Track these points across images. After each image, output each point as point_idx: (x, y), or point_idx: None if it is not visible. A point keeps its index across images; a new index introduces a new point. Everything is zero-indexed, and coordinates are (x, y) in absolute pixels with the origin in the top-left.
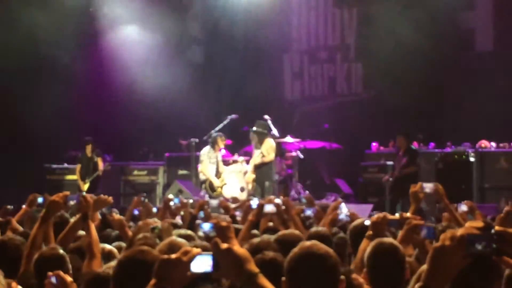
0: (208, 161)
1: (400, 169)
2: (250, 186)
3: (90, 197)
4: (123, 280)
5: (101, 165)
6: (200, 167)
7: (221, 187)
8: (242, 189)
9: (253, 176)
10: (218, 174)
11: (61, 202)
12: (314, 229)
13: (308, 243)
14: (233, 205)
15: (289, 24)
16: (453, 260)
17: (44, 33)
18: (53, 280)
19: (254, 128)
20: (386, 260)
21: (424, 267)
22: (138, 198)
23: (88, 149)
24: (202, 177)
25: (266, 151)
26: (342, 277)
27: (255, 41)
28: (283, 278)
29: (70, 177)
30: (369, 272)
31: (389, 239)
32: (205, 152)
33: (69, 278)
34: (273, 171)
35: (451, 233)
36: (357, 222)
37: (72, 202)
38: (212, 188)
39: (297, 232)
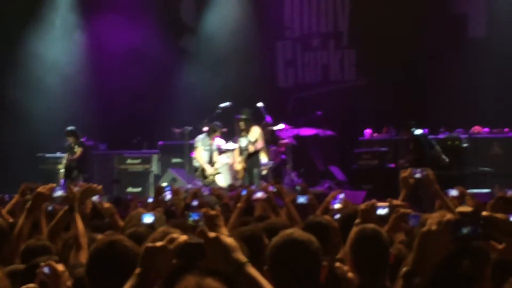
0: (202, 148)
1: (406, 157)
2: (240, 175)
3: (84, 186)
4: (96, 274)
5: (79, 153)
6: (195, 154)
7: (214, 175)
8: (235, 178)
9: (243, 164)
10: (211, 163)
11: (48, 194)
12: (311, 217)
13: (289, 230)
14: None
15: (281, 11)
16: (439, 245)
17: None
18: (45, 270)
19: (241, 116)
20: (368, 246)
21: None
22: None
23: (70, 139)
24: (195, 163)
25: (254, 138)
26: (325, 263)
27: (248, 29)
28: (265, 267)
29: (51, 166)
30: (353, 259)
31: (371, 225)
32: (200, 139)
33: (60, 267)
34: (259, 159)
35: (437, 218)
36: (347, 209)
37: (58, 193)
38: (204, 175)
39: (283, 220)
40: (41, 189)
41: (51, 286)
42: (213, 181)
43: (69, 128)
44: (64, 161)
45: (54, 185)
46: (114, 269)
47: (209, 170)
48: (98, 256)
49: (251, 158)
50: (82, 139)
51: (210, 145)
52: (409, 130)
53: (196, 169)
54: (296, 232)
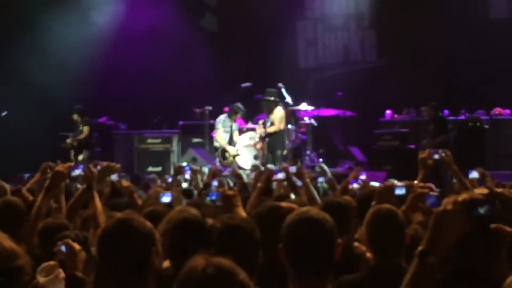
0: (223, 130)
1: (430, 139)
2: (261, 156)
3: (104, 164)
4: (106, 253)
5: (86, 132)
6: (215, 134)
7: (234, 157)
8: (256, 157)
9: (262, 145)
10: (231, 144)
11: (66, 172)
12: (330, 197)
13: (304, 208)
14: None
15: None
16: (455, 225)
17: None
18: (63, 248)
19: (264, 97)
20: (384, 226)
21: None
22: None
23: (76, 118)
24: (216, 144)
25: (276, 120)
26: (339, 240)
27: (269, 9)
28: (280, 245)
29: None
30: (369, 239)
31: (387, 205)
32: (221, 120)
33: (77, 246)
34: (284, 139)
35: (453, 198)
36: (365, 190)
37: (77, 172)
38: (224, 156)
39: (302, 200)
40: (59, 167)
41: (68, 264)
42: (233, 162)
43: (75, 106)
44: (69, 140)
45: (72, 164)
46: (123, 248)
47: (230, 151)
48: (108, 235)
49: (272, 138)
50: (87, 118)
51: (231, 126)
52: (433, 111)
53: (216, 149)
54: (311, 210)
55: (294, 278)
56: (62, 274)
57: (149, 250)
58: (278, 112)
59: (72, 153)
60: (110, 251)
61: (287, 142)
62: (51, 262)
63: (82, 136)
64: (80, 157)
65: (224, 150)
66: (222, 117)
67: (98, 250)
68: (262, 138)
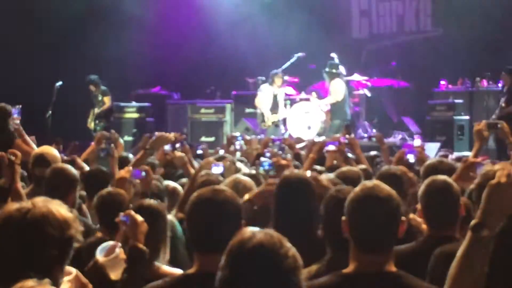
0: (263, 96)
1: (501, 108)
2: (318, 125)
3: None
4: (196, 220)
5: (108, 103)
6: (256, 101)
7: (273, 123)
8: (309, 128)
9: (324, 115)
10: (275, 110)
11: (169, 138)
12: (385, 168)
13: (370, 183)
14: (298, 145)
15: None
16: (509, 198)
17: None
18: (124, 219)
19: (325, 69)
20: (439, 197)
21: None
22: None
23: (91, 89)
24: (258, 110)
25: (333, 91)
26: (403, 218)
27: None
28: (343, 218)
29: (128, 115)
30: (423, 210)
31: (442, 177)
32: (262, 88)
33: (140, 218)
34: (343, 110)
35: (508, 170)
36: (431, 160)
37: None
38: (263, 119)
39: (355, 169)
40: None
41: (130, 236)
42: (271, 128)
43: (91, 77)
44: (92, 114)
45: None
46: (213, 215)
47: (267, 116)
48: (200, 203)
49: (331, 109)
50: (105, 87)
51: (272, 93)
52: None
53: (258, 115)
54: (378, 186)
55: (355, 253)
56: (122, 255)
57: (236, 221)
58: (335, 84)
59: (92, 123)
60: (200, 216)
61: (349, 113)
62: (112, 242)
63: (105, 107)
64: (98, 128)
65: (263, 115)
66: (263, 86)
67: (187, 214)
68: (326, 110)
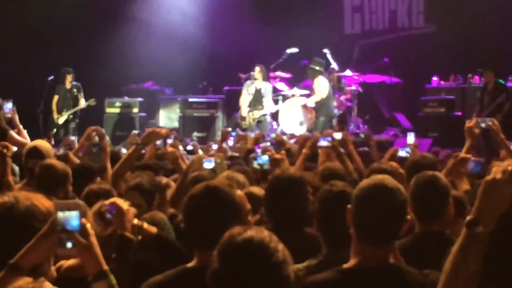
0: (246, 93)
1: (486, 105)
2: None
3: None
4: (194, 218)
5: (82, 101)
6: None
7: (253, 120)
8: (301, 123)
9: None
10: (258, 106)
11: (161, 133)
12: (376, 164)
13: (380, 176)
14: (291, 140)
15: None
16: (504, 194)
17: None
18: (110, 208)
19: (310, 65)
20: (425, 190)
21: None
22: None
23: (68, 79)
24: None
25: (317, 89)
26: (409, 217)
27: None
28: (349, 206)
29: (119, 110)
30: (412, 205)
31: (431, 172)
32: (245, 85)
33: (125, 206)
34: (328, 107)
35: (503, 166)
36: (415, 156)
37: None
38: (242, 118)
39: (338, 165)
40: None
41: (117, 225)
42: (250, 125)
43: (69, 68)
44: (54, 104)
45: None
46: (212, 213)
47: (243, 112)
48: (196, 199)
49: (316, 106)
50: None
51: (254, 88)
52: (494, 76)
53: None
54: (387, 179)
55: (358, 245)
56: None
57: (237, 216)
58: (318, 82)
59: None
60: (197, 213)
61: (334, 109)
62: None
63: (84, 106)
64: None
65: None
66: (247, 82)
67: (184, 211)
68: (311, 107)
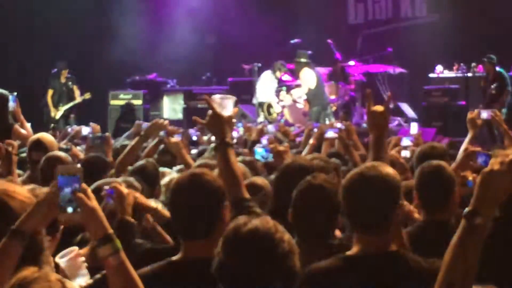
0: (266, 85)
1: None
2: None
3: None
4: (177, 207)
5: (77, 93)
6: (260, 89)
7: (278, 114)
8: (304, 114)
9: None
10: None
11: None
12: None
13: (369, 164)
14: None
15: None
16: (502, 185)
17: None
18: (110, 191)
19: (295, 59)
20: (430, 178)
21: None
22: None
23: (63, 74)
24: (260, 99)
25: (302, 82)
26: (402, 202)
27: None
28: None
29: (124, 102)
30: (417, 193)
31: (436, 161)
32: (267, 76)
33: (125, 190)
34: (320, 96)
35: (501, 157)
36: (424, 147)
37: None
38: (269, 111)
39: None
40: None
41: (118, 209)
42: (275, 119)
43: (64, 62)
44: (49, 98)
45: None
46: (194, 201)
47: (275, 107)
48: (180, 189)
49: (308, 97)
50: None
51: (276, 82)
52: (493, 66)
53: (260, 104)
54: (374, 167)
55: (357, 234)
56: (83, 259)
57: (219, 204)
58: (303, 74)
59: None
60: (182, 203)
61: (327, 98)
62: (72, 248)
63: (80, 100)
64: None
65: (269, 106)
66: (267, 73)
67: (169, 202)
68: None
